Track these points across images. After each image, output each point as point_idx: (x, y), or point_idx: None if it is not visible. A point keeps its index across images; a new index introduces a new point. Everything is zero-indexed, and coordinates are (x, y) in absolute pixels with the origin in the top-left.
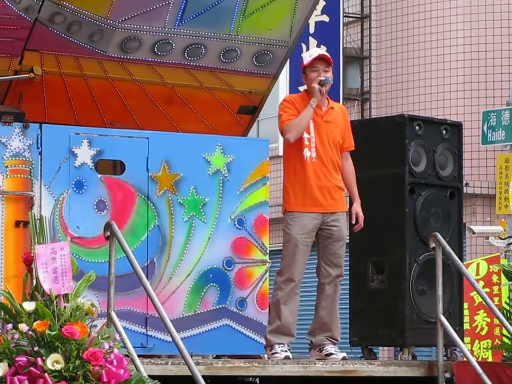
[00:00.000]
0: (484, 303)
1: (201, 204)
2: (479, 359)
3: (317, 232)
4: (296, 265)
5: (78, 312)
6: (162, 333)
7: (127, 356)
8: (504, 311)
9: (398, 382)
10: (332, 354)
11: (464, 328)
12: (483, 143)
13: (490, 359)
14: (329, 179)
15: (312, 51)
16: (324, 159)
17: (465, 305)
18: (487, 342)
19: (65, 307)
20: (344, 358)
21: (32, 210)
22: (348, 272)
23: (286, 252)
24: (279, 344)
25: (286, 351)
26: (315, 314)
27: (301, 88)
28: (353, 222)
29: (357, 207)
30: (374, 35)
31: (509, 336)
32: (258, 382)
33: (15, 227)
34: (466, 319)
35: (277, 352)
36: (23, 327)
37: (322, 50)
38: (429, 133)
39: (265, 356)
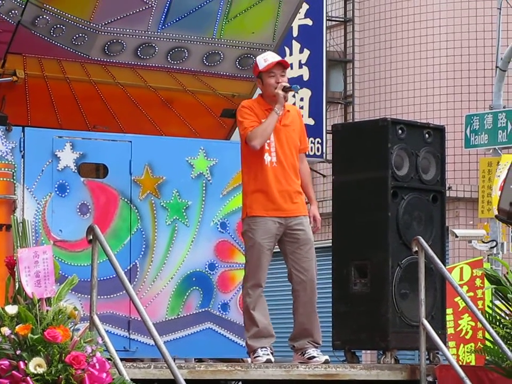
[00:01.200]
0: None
1: (184, 208)
2: (464, 363)
3: (283, 238)
4: (262, 270)
5: (60, 316)
6: (145, 337)
7: (109, 359)
8: (487, 314)
9: None
10: (314, 357)
11: (449, 332)
12: (466, 147)
13: (473, 363)
14: (290, 183)
15: (266, 55)
16: (285, 163)
17: (450, 311)
18: (471, 346)
19: (47, 311)
20: (326, 361)
21: (14, 213)
22: (331, 276)
23: (251, 257)
24: (262, 348)
25: (268, 354)
26: (294, 320)
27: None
28: (311, 224)
29: (315, 210)
30: (357, 39)
31: (492, 339)
32: None
33: None
34: (451, 323)
35: (259, 356)
36: (5, 330)
37: (276, 55)
38: (411, 137)
39: (249, 359)
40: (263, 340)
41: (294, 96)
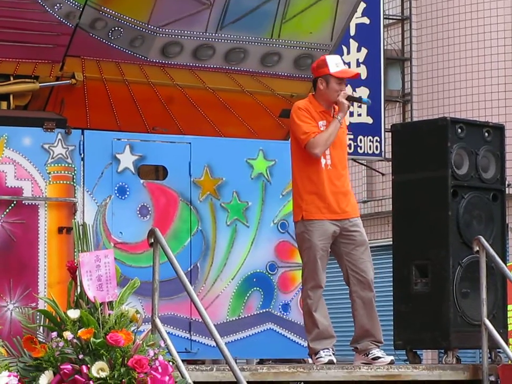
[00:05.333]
0: None
1: (244, 208)
2: None
3: (337, 240)
4: (321, 272)
5: (122, 320)
6: (206, 338)
7: (172, 362)
8: None
9: None
10: (379, 357)
11: (509, 329)
12: None
13: None
14: (343, 185)
15: (337, 60)
16: (338, 165)
17: (510, 307)
18: None
19: (109, 314)
20: (392, 361)
21: (75, 216)
22: (391, 275)
23: (309, 259)
24: (324, 349)
25: (330, 355)
26: (355, 322)
27: None
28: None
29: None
30: (414, 37)
31: None
32: None
33: (58, 233)
34: (510, 320)
35: (321, 357)
36: (67, 335)
37: (346, 66)
38: (471, 136)
39: (310, 360)
40: (325, 342)
41: None
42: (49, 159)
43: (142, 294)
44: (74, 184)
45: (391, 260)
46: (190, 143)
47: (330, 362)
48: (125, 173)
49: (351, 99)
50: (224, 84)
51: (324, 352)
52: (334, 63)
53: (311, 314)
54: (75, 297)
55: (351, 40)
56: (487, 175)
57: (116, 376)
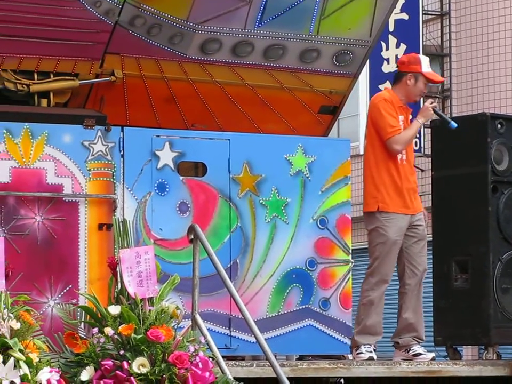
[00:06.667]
0: None
1: (283, 205)
2: None
3: None
4: (390, 267)
5: (163, 316)
6: (246, 334)
7: (212, 358)
8: None
9: (483, 382)
10: (420, 354)
11: None
12: None
13: None
14: (414, 181)
15: (428, 61)
16: (411, 161)
17: None
18: None
19: (150, 311)
20: (433, 358)
21: (115, 213)
22: (431, 272)
23: (381, 253)
24: (365, 344)
25: (371, 351)
26: (399, 316)
27: (381, 87)
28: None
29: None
30: (453, 32)
31: None
32: (343, 382)
33: (98, 230)
34: None
35: (362, 353)
36: (108, 331)
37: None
38: (511, 131)
39: (350, 356)
40: (369, 337)
41: None
42: (89, 156)
43: (182, 290)
44: (114, 181)
45: (431, 256)
46: (229, 139)
47: (370, 358)
48: (165, 169)
49: (437, 113)
50: (263, 80)
51: (365, 347)
52: (426, 64)
53: (369, 306)
54: (115, 294)
55: (390, 36)
56: None
57: (156, 371)
